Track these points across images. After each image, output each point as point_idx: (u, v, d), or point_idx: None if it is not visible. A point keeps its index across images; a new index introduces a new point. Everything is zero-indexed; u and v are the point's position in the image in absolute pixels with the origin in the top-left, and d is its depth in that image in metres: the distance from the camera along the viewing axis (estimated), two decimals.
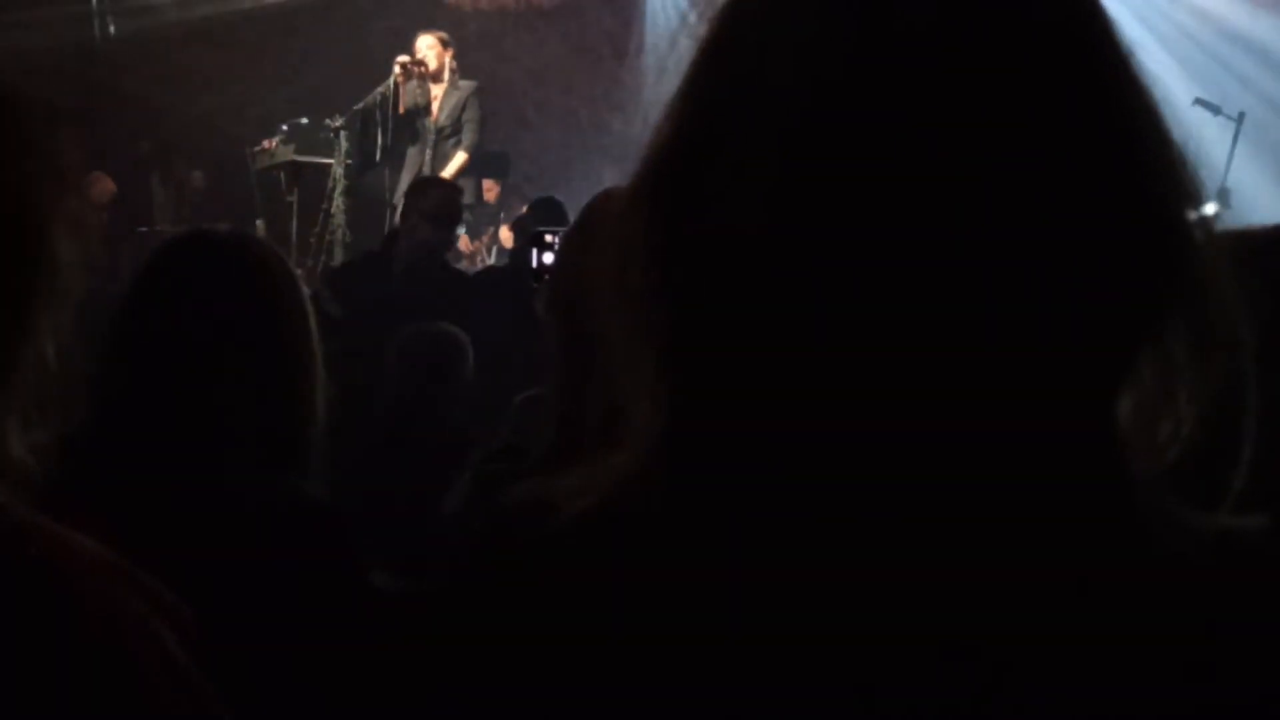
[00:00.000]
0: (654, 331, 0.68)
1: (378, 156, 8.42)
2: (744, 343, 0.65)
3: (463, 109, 8.10)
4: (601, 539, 0.68)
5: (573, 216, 2.23)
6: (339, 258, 8.51)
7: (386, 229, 8.43)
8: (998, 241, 0.63)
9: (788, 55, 0.66)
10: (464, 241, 9.87)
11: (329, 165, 8.64)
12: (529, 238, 2.82)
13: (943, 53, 0.64)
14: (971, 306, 0.62)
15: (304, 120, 9.14)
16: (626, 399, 0.69)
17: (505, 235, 9.67)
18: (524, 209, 9.80)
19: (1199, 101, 7.72)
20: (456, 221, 5.76)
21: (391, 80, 8.06)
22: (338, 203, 8.60)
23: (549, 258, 4.76)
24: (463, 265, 9.58)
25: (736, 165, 0.65)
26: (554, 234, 2.84)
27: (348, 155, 8.51)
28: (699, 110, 0.68)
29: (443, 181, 6.83)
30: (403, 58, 8.10)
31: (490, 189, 9.43)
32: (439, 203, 5.49)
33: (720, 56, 0.69)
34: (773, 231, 0.64)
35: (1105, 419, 0.65)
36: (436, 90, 8.14)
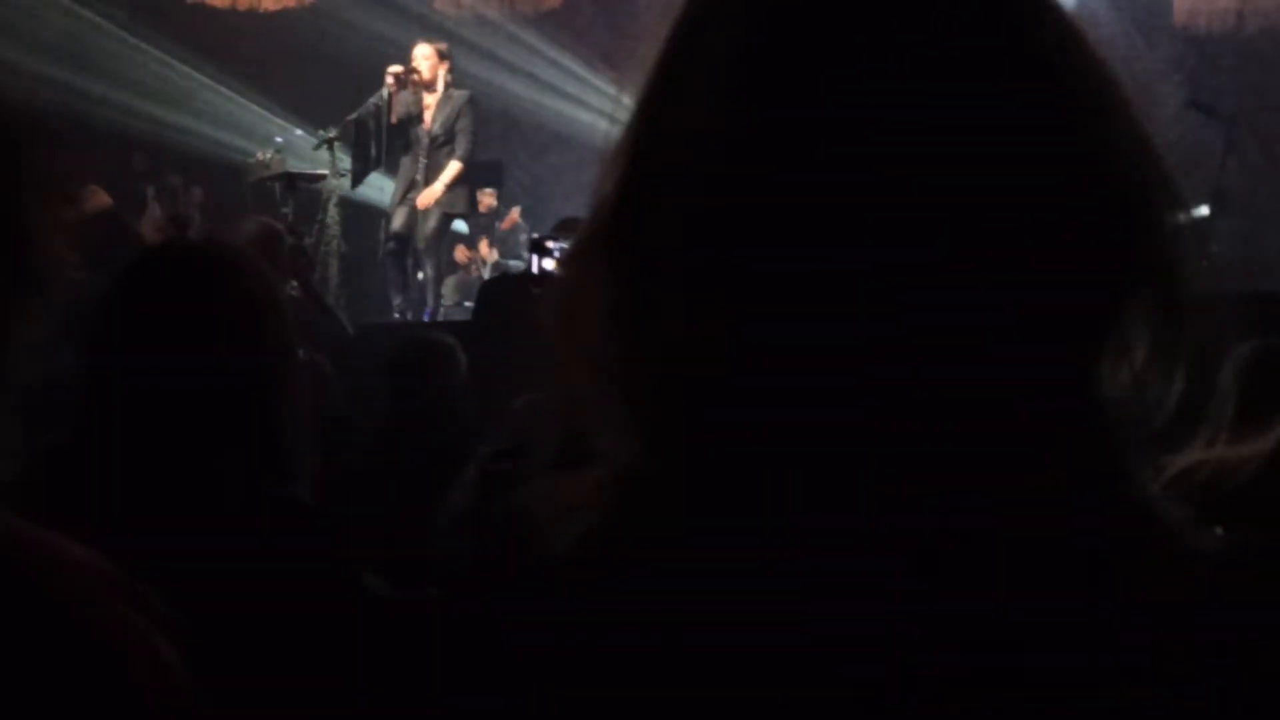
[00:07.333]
0: (614, 378, 0.69)
1: (371, 167, 8.43)
2: (703, 385, 0.66)
3: (456, 118, 8.10)
4: (605, 557, 0.68)
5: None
6: (334, 269, 8.51)
7: (381, 238, 8.45)
8: (951, 245, 0.62)
9: (709, 102, 0.66)
10: (460, 251, 9.86)
11: (323, 176, 8.64)
12: (531, 244, 2.86)
13: (867, 62, 0.63)
14: (928, 321, 0.63)
15: (297, 131, 9.14)
16: (592, 427, 0.70)
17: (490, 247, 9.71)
18: (514, 213, 9.84)
19: (1193, 103, 7.70)
20: None
21: (384, 90, 8.06)
22: (332, 213, 8.59)
23: (549, 264, 4.78)
24: (458, 275, 9.60)
25: (672, 219, 0.66)
26: (555, 240, 2.87)
27: (341, 166, 8.51)
28: (636, 164, 0.69)
29: None
30: (395, 67, 8.10)
31: (485, 198, 9.43)
32: None
33: (652, 105, 0.70)
34: (712, 278, 0.65)
35: (1088, 404, 0.65)
36: (429, 99, 8.14)
